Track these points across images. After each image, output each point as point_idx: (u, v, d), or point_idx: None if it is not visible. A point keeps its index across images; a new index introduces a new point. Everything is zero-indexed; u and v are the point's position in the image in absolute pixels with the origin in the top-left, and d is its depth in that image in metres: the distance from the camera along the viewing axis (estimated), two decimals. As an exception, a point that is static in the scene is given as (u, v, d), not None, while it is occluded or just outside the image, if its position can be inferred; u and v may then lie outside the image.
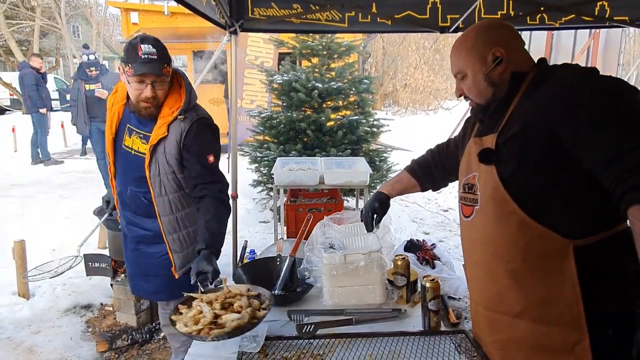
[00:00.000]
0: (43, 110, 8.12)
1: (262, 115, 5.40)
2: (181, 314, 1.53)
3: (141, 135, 1.95)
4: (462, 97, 1.38)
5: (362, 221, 1.78)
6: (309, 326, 1.57)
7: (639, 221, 0.99)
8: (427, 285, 1.57)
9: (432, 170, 1.72)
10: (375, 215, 1.74)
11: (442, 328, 1.62)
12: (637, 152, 1.01)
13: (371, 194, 5.55)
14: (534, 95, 1.19)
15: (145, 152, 1.91)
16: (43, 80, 8.15)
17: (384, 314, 1.69)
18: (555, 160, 1.14)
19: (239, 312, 1.46)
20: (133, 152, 1.97)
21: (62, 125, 10.48)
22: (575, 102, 1.09)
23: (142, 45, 1.76)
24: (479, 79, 1.28)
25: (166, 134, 1.88)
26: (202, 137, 1.93)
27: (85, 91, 6.94)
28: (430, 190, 1.79)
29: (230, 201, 2.03)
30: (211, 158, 1.95)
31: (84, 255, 3.02)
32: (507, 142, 1.21)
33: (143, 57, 1.76)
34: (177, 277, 2.03)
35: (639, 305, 1.07)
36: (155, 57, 1.78)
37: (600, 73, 1.17)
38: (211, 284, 1.65)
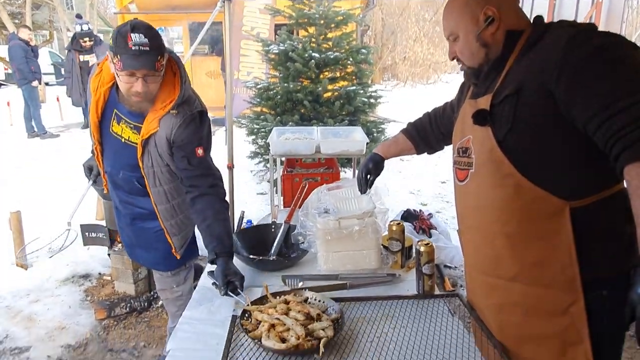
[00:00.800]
0: (34, 83, 7.98)
1: (258, 87, 5.33)
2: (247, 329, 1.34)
3: (131, 126, 1.83)
4: (455, 60, 1.34)
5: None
6: (304, 289, 1.57)
7: (635, 179, 0.97)
8: (422, 249, 1.57)
9: (428, 134, 1.70)
10: (368, 176, 1.72)
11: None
12: (633, 109, 0.98)
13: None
14: (529, 54, 1.16)
15: (136, 142, 1.81)
16: (33, 53, 7.98)
17: (378, 278, 1.70)
18: (551, 120, 1.11)
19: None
20: (123, 140, 1.87)
21: (58, 99, 10.35)
22: (570, 59, 1.06)
23: (133, 35, 1.57)
24: (470, 39, 1.24)
25: (157, 129, 1.77)
26: (191, 130, 1.81)
27: (80, 62, 6.83)
28: (426, 154, 1.77)
29: (227, 172, 1.99)
30: (200, 151, 1.83)
31: (80, 225, 3.02)
32: (501, 103, 1.18)
33: (133, 48, 1.57)
34: (178, 257, 2.03)
35: (633, 266, 1.05)
36: (148, 48, 1.59)
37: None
38: (242, 290, 1.58)
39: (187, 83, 1.81)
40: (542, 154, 1.15)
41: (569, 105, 1.07)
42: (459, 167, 1.36)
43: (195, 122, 1.83)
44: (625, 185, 1.03)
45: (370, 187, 1.74)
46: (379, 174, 1.75)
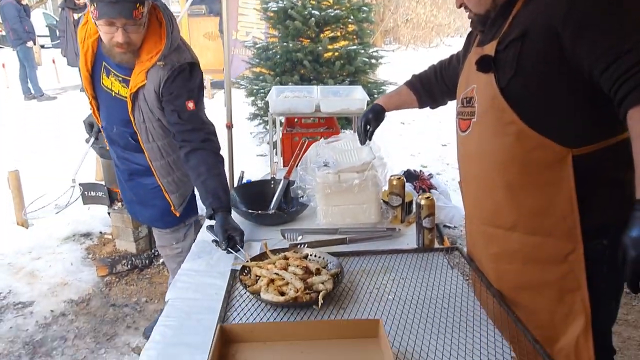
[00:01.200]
0: (29, 44, 7.81)
1: (257, 47, 5.20)
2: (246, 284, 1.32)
3: (120, 79, 1.78)
4: (462, 8, 1.30)
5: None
6: (303, 245, 1.56)
7: (638, 124, 0.96)
8: (422, 202, 1.55)
9: (433, 86, 1.66)
10: (368, 127, 1.69)
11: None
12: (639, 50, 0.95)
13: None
14: (534, 1, 1.13)
15: (126, 96, 1.76)
16: (25, 13, 7.77)
17: (378, 233, 1.69)
18: (555, 65, 1.09)
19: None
20: (113, 93, 1.82)
21: (54, 61, 10.16)
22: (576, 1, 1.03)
23: None
24: None
25: (145, 82, 1.71)
26: (180, 83, 1.75)
27: (74, 20, 6.66)
28: (429, 108, 1.73)
29: (225, 132, 1.95)
30: (190, 104, 1.77)
31: (79, 184, 3.01)
32: (506, 49, 1.15)
33: None
34: (177, 215, 2.02)
35: (633, 209, 1.01)
36: None
37: None
38: (242, 246, 1.55)
39: (175, 33, 1.74)
40: (546, 100, 1.13)
41: (575, 48, 1.04)
42: (462, 117, 1.34)
43: (185, 74, 1.76)
44: (628, 129, 1.00)
45: (370, 138, 1.71)
46: (378, 125, 1.72)
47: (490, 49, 1.20)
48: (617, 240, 1.03)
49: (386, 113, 1.73)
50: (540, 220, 1.19)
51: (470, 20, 1.32)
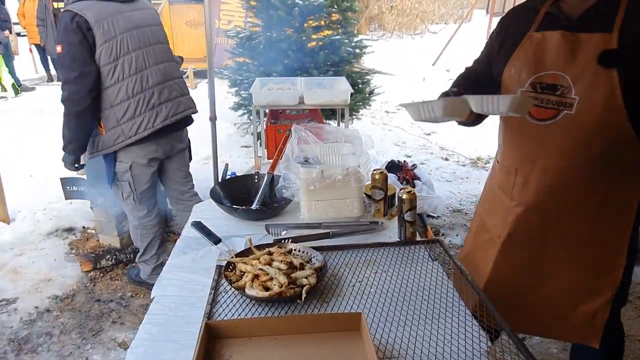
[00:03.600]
0: (5, 33, 7.61)
1: (240, 36, 5.15)
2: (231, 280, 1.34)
3: None
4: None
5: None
6: (286, 240, 1.58)
7: None
8: (404, 196, 1.58)
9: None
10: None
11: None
12: None
13: (354, 116, 5.42)
14: None
15: None
16: (0, 1, 7.55)
17: (361, 226, 1.72)
18: None
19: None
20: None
21: (31, 51, 9.90)
22: None
23: None
24: None
25: None
26: (58, 28, 2.18)
27: (53, 9, 6.49)
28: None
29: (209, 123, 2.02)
30: (58, 48, 2.16)
31: (60, 179, 2.98)
32: (634, 44, 1.09)
33: None
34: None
35: None
36: None
37: None
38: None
39: None
40: None
41: None
42: (541, 105, 1.28)
43: (62, 20, 2.15)
44: None
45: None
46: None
47: (603, 42, 1.12)
48: None
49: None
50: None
51: None
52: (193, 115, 2.68)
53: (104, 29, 2.23)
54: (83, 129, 2.35)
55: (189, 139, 2.84)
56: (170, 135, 2.54)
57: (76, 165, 2.51)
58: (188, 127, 2.72)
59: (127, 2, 2.38)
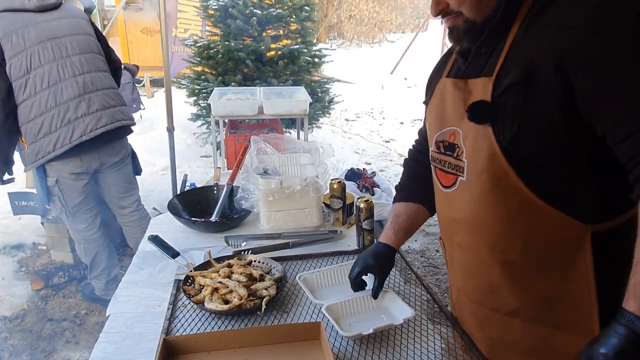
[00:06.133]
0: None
1: (198, 45, 5.10)
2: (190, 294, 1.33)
3: None
4: (440, 16, 0.96)
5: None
6: (246, 252, 1.58)
7: None
8: (361, 205, 1.62)
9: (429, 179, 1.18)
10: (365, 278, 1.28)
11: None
12: None
13: (314, 125, 5.46)
14: (541, 20, 0.85)
15: None
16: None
17: (320, 235, 1.74)
18: (571, 120, 0.84)
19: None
20: None
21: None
22: (601, 32, 0.77)
23: None
24: None
25: None
26: None
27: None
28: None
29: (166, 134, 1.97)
30: None
31: (8, 194, 2.85)
32: (504, 94, 0.88)
33: None
34: None
35: (615, 320, 0.79)
36: None
37: None
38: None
39: None
40: (559, 164, 0.89)
41: (591, 100, 0.80)
42: (441, 168, 1.06)
43: None
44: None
45: (375, 295, 1.25)
46: (386, 275, 1.27)
47: (483, 89, 0.91)
48: None
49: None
50: (550, 308, 0.97)
51: (450, 31, 0.98)
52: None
53: (13, 42, 2.14)
54: (1, 145, 2.26)
55: (132, 152, 2.70)
56: (98, 149, 2.40)
57: (4, 179, 2.42)
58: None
59: (43, 12, 2.27)
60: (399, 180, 1.37)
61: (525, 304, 0.99)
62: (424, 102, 1.18)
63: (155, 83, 8.30)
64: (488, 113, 0.89)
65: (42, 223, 3.11)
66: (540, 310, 0.98)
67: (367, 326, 1.15)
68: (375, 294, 1.23)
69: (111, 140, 2.44)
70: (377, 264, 1.23)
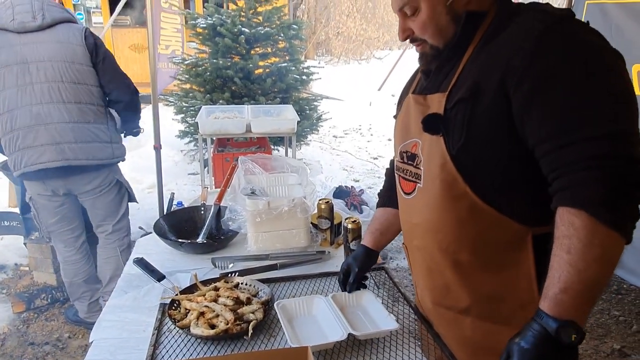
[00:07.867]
0: None
1: (186, 62, 5.11)
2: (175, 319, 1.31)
3: None
4: (407, 41, 1.08)
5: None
6: (233, 274, 1.56)
7: (562, 226, 0.85)
8: (349, 226, 1.61)
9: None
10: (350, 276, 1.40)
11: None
12: (589, 145, 0.82)
13: (302, 142, 5.48)
14: (490, 46, 0.96)
15: None
16: None
17: (308, 256, 1.73)
18: (509, 134, 0.93)
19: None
20: None
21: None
22: (538, 58, 0.87)
23: None
24: (439, 11, 0.99)
25: None
26: None
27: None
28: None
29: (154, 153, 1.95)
30: None
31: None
32: (454, 108, 0.98)
33: None
34: None
35: (532, 318, 0.88)
36: None
37: (577, 18, 0.94)
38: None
39: None
40: (499, 172, 0.98)
41: (524, 117, 0.90)
42: (403, 176, 1.16)
43: None
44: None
45: (351, 289, 1.39)
46: (365, 271, 1.41)
47: (437, 104, 1.02)
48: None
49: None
50: (497, 306, 1.06)
51: (420, 57, 1.11)
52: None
53: None
54: None
55: (120, 183, 2.53)
56: (62, 177, 2.29)
57: None
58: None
59: (24, 33, 2.21)
60: (381, 188, 1.49)
61: (475, 302, 1.08)
62: (394, 117, 1.28)
63: (143, 99, 8.26)
64: (439, 125, 1.00)
65: (24, 244, 3.05)
66: (488, 307, 1.07)
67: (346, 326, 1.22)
68: (349, 289, 1.37)
69: (77, 172, 2.31)
70: (354, 262, 1.39)
